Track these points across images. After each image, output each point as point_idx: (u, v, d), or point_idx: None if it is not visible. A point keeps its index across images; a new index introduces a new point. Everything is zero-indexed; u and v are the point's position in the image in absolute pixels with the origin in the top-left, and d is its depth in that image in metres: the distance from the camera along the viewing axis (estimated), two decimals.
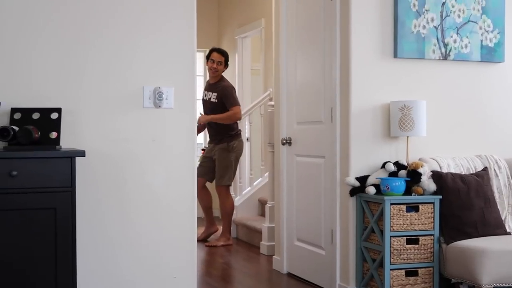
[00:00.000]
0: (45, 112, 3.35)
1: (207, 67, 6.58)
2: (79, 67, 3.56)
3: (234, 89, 6.59)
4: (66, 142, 3.47)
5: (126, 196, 3.66)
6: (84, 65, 3.57)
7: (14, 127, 3.20)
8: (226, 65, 6.53)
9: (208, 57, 6.53)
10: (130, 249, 3.69)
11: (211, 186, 6.75)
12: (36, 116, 3.33)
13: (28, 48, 3.47)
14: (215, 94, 6.41)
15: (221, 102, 6.38)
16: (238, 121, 6.62)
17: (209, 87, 6.55)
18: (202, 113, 6.55)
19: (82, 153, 3.18)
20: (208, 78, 6.83)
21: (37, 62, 3.48)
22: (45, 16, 3.49)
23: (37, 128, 3.25)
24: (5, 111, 3.36)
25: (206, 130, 6.75)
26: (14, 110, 3.35)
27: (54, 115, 3.35)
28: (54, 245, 3.09)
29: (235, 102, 6.40)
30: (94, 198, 3.58)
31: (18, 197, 3.04)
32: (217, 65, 6.43)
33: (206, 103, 6.53)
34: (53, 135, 3.30)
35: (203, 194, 6.59)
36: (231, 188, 6.83)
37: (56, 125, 3.33)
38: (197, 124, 6.39)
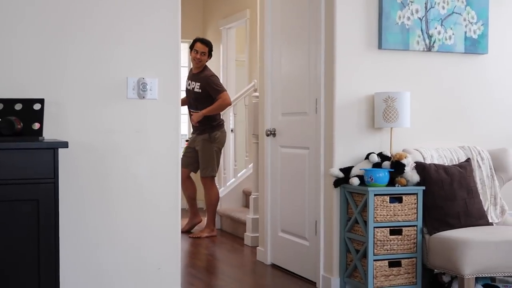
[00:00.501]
0: (28, 103, 3.32)
1: (191, 57, 6.54)
2: (63, 58, 3.53)
3: (217, 77, 6.55)
4: (49, 133, 3.45)
5: (110, 188, 3.65)
6: (68, 55, 3.54)
7: None
8: (210, 55, 6.50)
9: (191, 47, 6.50)
10: (113, 240, 3.68)
11: (196, 176, 6.74)
12: (18, 107, 3.31)
13: (10, 38, 3.43)
14: (198, 84, 6.39)
15: (205, 91, 6.35)
16: (223, 111, 6.61)
17: (192, 77, 6.52)
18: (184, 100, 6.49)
19: (65, 144, 3.16)
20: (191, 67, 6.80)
21: (19, 52, 3.45)
22: (27, 5, 3.46)
23: (19, 119, 3.23)
24: None
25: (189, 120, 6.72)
26: None
27: (36, 106, 3.33)
28: (37, 237, 3.07)
29: (221, 89, 6.36)
30: (77, 189, 3.57)
31: (1, 189, 3.02)
32: (200, 55, 6.40)
33: (189, 92, 6.50)
34: (36, 126, 3.28)
35: (187, 185, 6.58)
36: (216, 179, 6.83)
37: (39, 116, 3.31)
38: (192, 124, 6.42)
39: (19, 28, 3.44)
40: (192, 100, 6.46)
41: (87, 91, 3.59)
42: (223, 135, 6.59)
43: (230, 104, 6.54)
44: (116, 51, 3.64)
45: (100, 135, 3.61)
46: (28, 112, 3.30)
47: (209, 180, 6.51)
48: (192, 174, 6.67)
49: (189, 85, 6.52)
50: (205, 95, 6.35)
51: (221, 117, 6.63)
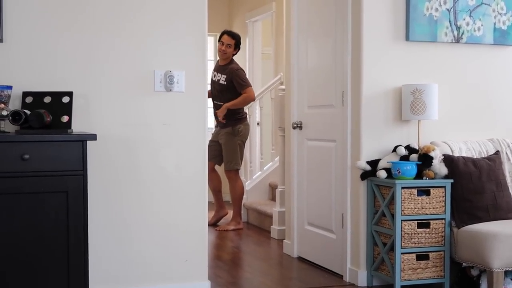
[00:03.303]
0: (57, 96, 3.36)
1: (217, 49, 6.55)
2: (90, 51, 3.56)
3: (244, 71, 6.54)
4: (78, 126, 3.49)
5: (137, 180, 3.68)
6: (95, 49, 3.57)
7: (25, 110, 3.22)
8: (237, 48, 6.48)
9: (219, 39, 6.51)
10: (141, 232, 3.71)
11: (220, 169, 6.76)
12: (47, 100, 3.35)
13: (40, 32, 3.47)
14: (224, 76, 6.39)
15: (230, 84, 6.35)
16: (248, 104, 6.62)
17: (218, 68, 6.52)
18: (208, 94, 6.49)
19: (93, 137, 3.19)
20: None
21: (48, 46, 3.49)
22: (56, 0, 3.49)
23: (48, 112, 3.27)
24: (17, 95, 3.38)
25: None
26: (25, 94, 3.36)
27: (65, 99, 3.36)
28: (66, 228, 3.11)
29: (246, 84, 6.35)
30: (105, 181, 3.60)
31: (30, 181, 3.06)
32: (226, 47, 6.39)
33: (215, 84, 6.50)
34: (65, 118, 3.32)
35: (212, 177, 6.58)
36: (241, 172, 6.83)
37: (67, 109, 3.35)
38: (215, 116, 6.42)
39: (48, 23, 3.48)
40: (217, 92, 6.46)
41: (115, 84, 3.61)
42: (247, 128, 6.58)
43: (254, 100, 6.53)
44: (143, 44, 3.66)
45: (128, 128, 3.64)
46: (57, 105, 3.34)
47: (233, 173, 6.51)
48: (216, 167, 6.68)
49: (214, 76, 6.52)
50: (230, 88, 6.35)
51: (244, 110, 6.63)
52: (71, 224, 3.12)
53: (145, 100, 3.68)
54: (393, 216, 4.02)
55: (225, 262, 5.16)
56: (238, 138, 6.46)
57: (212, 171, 6.55)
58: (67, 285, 3.13)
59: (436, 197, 4.07)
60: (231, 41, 6.42)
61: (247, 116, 6.69)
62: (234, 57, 6.56)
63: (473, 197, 4.07)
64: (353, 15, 4.36)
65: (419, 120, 4.28)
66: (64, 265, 3.12)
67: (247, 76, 6.78)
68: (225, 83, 6.37)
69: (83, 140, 3.16)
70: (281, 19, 6.72)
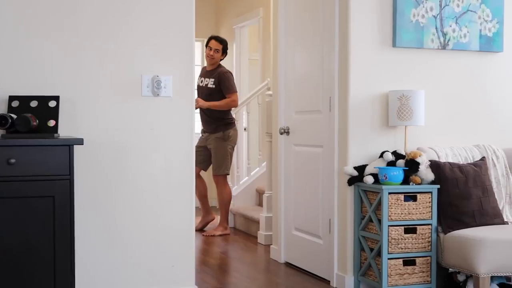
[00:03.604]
0: (43, 100, 3.34)
1: (205, 54, 6.56)
2: (78, 55, 3.55)
3: (232, 75, 6.54)
4: (64, 130, 3.47)
5: (124, 185, 3.67)
6: (82, 53, 3.56)
7: (12, 115, 3.20)
8: (224, 53, 6.50)
9: (207, 45, 6.52)
10: (128, 237, 3.69)
11: (205, 175, 6.75)
12: (34, 104, 3.33)
13: (26, 36, 3.45)
14: (212, 80, 6.40)
15: (218, 87, 6.36)
16: (233, 109, 6.62)
17: (205, 74, 6.53)
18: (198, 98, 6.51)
19: (80, 141, 3.18)
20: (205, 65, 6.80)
21: (35, 50, 3.47)
22: (41, 5, 3.47)
23: (35, 116, 3.25)
24: (3, 98, 3.36)
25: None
26: (12, 98, 3.34)
27: (52, 103, 3.35)
28: (53, 233, 3.09)
29: (232, 89, 6.37)
30: (92, 186, 3.58)
31: (17, 185, 3.05)
32: (214, 52, 6.41)
33: (202, 89, 6.50)
34: (51, 123, 3.30)
35: (197, 183, 6.53)
36: (229, 178, 6.83)
37: (54, 113, 3.33)
38: (202, 119, 6.41)
39: (35, 27, 3.46)
40: (204, 96, 6.45)
41: (102, 88, 3.60)
42: (236, 134, 6.60)
43: (236, 106, 6.56)
44: (130, 49, 3.66)
45: (115, 132, 3.63)
46: (44, 109, 3.32)
47: (221, 178, 6.51)
48: (202, 173, 6.67)
49: (201, 82, 6.53)
50: (218, 90, 6.35)
51: (232, 115, 6.63)
52: (57, 228, 3.10)
53: (132, 105, 3.67)
54: (380, 221, 4.03)
55: (212, 268, 5.14)
56: (228, 143, 6.46)
57: (197, 177, 6.54)
58: None
59: (423, 203, 4.08)
60: (218, 46, 6.44)
61: (235, 121, 6.69)
62: (222, 62, 6.57)
63: (459, 203, 4.09)
64: (341, 21, 4.38)
65: (405, 126, 4.30)
66: (50, 270, 3.10)
67: (235, 81, 6.78)
68: (213, 86, 6.38)
69: (69, 144, 3.14)
70: (268, 25, 6.74)
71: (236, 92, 6.42)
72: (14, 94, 3.38)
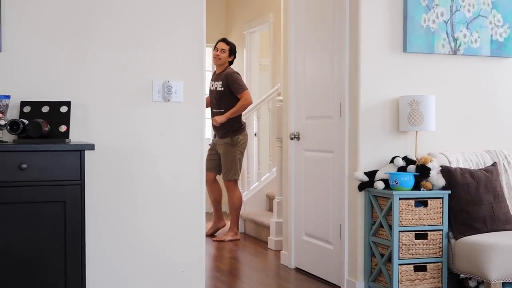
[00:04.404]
0: (55, 105, 3.36)
1: (212, 56, 6.58)
2: (89, 61, 3.56)
3: (239, 74, 6.53)
4: (76, 136, 3.48)
5: (135, 190, 3.67)
6: (94, 59, 3.57)
7: (23, 120, 3.21)
8: (231, 55, 6.50)
9: (214, 48, 6.55)
10: (139, 243, 3.70)
11: (221, 179, 6.74)
12: (45, 109, 3.34)
13: (38, 42, 3.47)
14: (220, 82, 6.40)
15: (227, 89, 6.36)
16: (243, 114, 6.61)
17: (215, 77, 6.56)
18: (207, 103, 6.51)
19: (91, 147, 3.19)
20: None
21: (47, 55, 3.49)
22: (54, 8, 3.49)
23: (46, 121, 3.26)
24: (15, 104, 3.37)
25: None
26: (23, 104, 3.36)
27: (63, 109, 3.36)
28: (64, 238, 3.10)
29: (242, 88, 6.35)
30: (103, 191, 3.59)
31: (28, 190, 3.05)
32: (220, 52, 6.43)
33: (212, 93, 6.51)
34: (63, 128, 3.31)
35: (213, 188, 6.59)
36: (239, 183, 6.83)
37: (65, 118, 3.34)
38: (213, 124, 6.42)
39: (47, 33, 3.48)
40: (215, 100, 6.46)
41: (113, 94, 3.61)
42: (245, 139, 6.59)
43: (251, 103, 6.52)
44: (141, 54, 3.67)
45: (126, 138, 3.64)
46: (55, 115, 3.33)
47: (232, 183, 6.52)
48: (218, 177, 6.67)
49: (212, 85, 6.55)
50: (227, 93, 6.35)
51: (243, 121, 6.64)
52: (68, 233, 3.11)
53: (143, 110, 3.68)
54: (390, 227, 4.02)
55: (222, 273, 5.14)
56: (237, 149, 6.46)
57: (213, 182, 6.56)
58: None
59: (434, 208, 4.07)
60: (225, 46, 6.46)
61: (246, 126, 6.69)
62: (232, 67, 6.58)
63: (470, 209, 4.07)
64: (351, 27, 4.38)
65: (416, 131, 4.29)
66: (61, 275, 3.11)
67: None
68: (222, 89, 6.39)
69: (81, 150, 3.15)
70: (278, 30, 6.75)
71: (247, 89, 6.40)
72: (26, 99, 3.39)
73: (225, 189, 6.58)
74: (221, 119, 6.30)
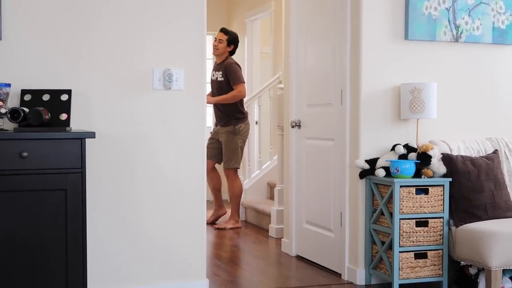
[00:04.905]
0: (55, 93, 3.36)
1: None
2: (90, 49, 3.56)
3: (239, 66, 6.52)
4: (76, 124, 3.49)
5: (136, 178, 3.68)
6: (94, 47, 3.57)
7: (24, 108, 3.21)
8: (230, 45, 6.46)
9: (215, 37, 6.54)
10: (140, 231, 3.71)
11: (220, 168, 6.76)
12: (46, 97, 3.34)
13: (38, 30, 3.47)
14: (220, 72, 6.40)
15: (227, 79, 6.36)
16: (245, 103, 6.61)
17: (216, 67, 6.55)
18: (209, 94, 6.53)
19: (92, 135, 3.19)
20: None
21: (47, 43, 3.49)
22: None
23: (47, 109, 3.26)
24: (16, 92, 3.38)
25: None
26: (24, 92, 3.36)
27: (64, 97, 3.36)
28: (65, 226, 3.11)
29: (238, 80, 6.35)
30: (104, 179, 3.60)
31: (29, 178, 3.06)
32: (218, 42, 6.42)
33: (213, 83, 6.52)
34: (63, 116, 3.31)
35: (212, 176, 6.59)
36: (240, 171, 6.83)
37: (66, 106, 3.34)
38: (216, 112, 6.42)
39: (47, 21, 3.47)
40: (216, 90, 6.47)
41: (113, 82, 3.61)
42: (247, 128, 6.59)
43: (244, 96, 6.50)
44: (142, 42, 3.66)
45: (127, 126, 3.64)
46: (56, 103, 3.33)
47: (232, 171, 6.52)
48: (217, 166, 6.68)
49: (213, 75, 6.54)
50: (228, 83, 6.35)
51: (245, 109, 6.63)
52: (69, 222, 3.12)
53: (144, 98, 3.68)
54: (391, 214, 4.03)
55: (223, 261, 5.16)
56: (239, 137, 6.46)
57: (212, 170, 6.56)
58: (65, 283, 3.13)
59: (435, 196, 4.07)
60: (223, 36, 6.44)
61: (248, 115, 6.68)
62: (233, 56, 6.56)
63: (471, 196, 4.07)
64: (352, 14, 4.37)
65: (417, 119, 4.29)
66: (62, 263, 3.12)
67: (245, 74, 6.78)
68: (222, 79, 6.39)
69: (81, 138, 3.15)
70: (280, 18, 6.73)
71: (243, 82, 6.40)
72: (26, 87, 3.39)
73: (225, 177, 6.59)
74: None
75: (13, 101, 3.38)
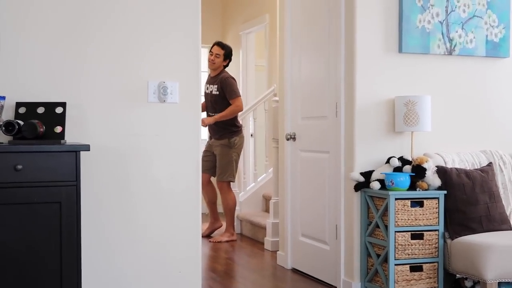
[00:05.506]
0: (50, 106, 3.35)
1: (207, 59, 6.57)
2: (84, 62, 3.56)
3: (235, 80, 6.53)
4: (71, 137, 3.48)
5: (131, 191, 3.67)
6: (89, 60, 3.57)
7: (19, 121, 3.20)
8: (227, 59, 6.50)
9: (210, 50, 6.54)
10: (135, 243, 3.69)
11: (214, 181, 6.75)
12: (41, 110, 3.33)
13: (33, 42, 3.47)
14: (216, 86, 6.41)
15: (222, 93, 6.37)
16: (240, 115, 6.62)
17: (210, 80, 6.55)
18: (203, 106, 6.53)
19: (86, 147, 3.18)
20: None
21: (42, 56, 3.48)
22: (49, 10, 3.49)
23: (42, 122, 3.25)
24: (10, 105, 3.37)
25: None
26: (19, 104, 3.35)
27: (59, 110, 3.35)
28: (59, 239, 3.09)
29: (235, 94, 6.36)
30: (98, 192, 3.59)
31: (23, 191, 3.05)
32: (214, 57, 6.43)
33: (208, 96, 6.52)
34: (58, 129, 3.30)
35: (208, 189, 6.59)
36: (235, 184, 6.83)
37: (61, 119, 3.34)
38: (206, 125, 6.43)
39: (41, 33, 3.48)
40: (210, 104, 6.47)
41: (108, 94, 3.61)
42: (242, 141, 6.60)
43: (242, 110, 6.53)
44: (137, 55, 3.66)
45: (121, 138, 3.63)
46: (50, 116, 3.33)
47: (225, 184, 6.51)
48: (212, 179, 6.68)
49: (207, 89, 6.55)
50: (223, 97, 6.36)
51: (240, 122, 6.64)
52: (64, 235, 3.10)
53: (138, 111, 3.68)
54: (386, 227, 4.03)
55: (218, 274, 5.14)
56: (233, 151, 6.46)
57: (207, 183, 6.55)
58: None
59: (430, 209, 4.07)
60: (220, 51, 6.45)
61: (242, 128, 6.69)
62: (227, 69, 6.58)
63: (466, 209, 4.08)
64: (346, 27, 4.39)
65: (412, 132, 4.30)
66: (57, 277, 3.10)
67: (241, 87, 6.79)
68: (217, 93, 6.39)
69: (76, 150, 3.15)
70: (274, 31, 6.75)
71: (239, 96, 6.42)
72: (21, 100, 3.39)
73: (218, 189, 6.58)
74: (209, 120, 6.33)
75: (8, 114, 3.37)
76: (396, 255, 3.99)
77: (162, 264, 3.76)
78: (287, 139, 5.15)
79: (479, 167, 4.37)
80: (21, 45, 3.45)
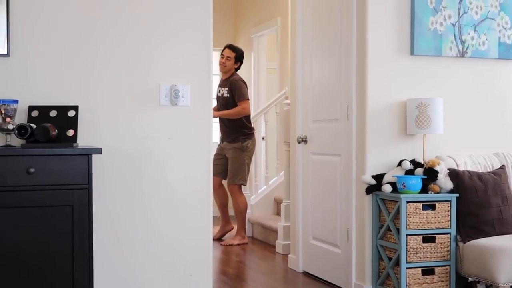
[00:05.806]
0: (62, 109, 3.37)
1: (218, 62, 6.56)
2: (96, 65, 3.58)
3: (245, 83, 6.53)
4: (83, 140, 3.49)
5: (142, 194, 3.68)
6: (101, 63, 3.59)
7: (31, 124, 3.22)
8: (238, 62, 6.50)
9: (221, 53, 6.55)
10: (146, 246, 3.70)
11: (225, 184, 6.75)
12: (53, 114, 3.35)
13: (45, 46, 3.49)
14: (226, 89, 6.42)
15: (232, 96, 6.38)
16: (251, 120, 6.62)
17: (222, 83, 6.57)
18: (215, 109, 6.54)
19: (99, 151, 3.20)
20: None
21: (54, 60, 3.50)
22: (61, 13, 3.51)
23: (54, 125, 3.27)
24: (23, 108, 3.39)
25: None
26: (31, 108, 3.37)
27: (71, 113, 3.37)
28: (71, 242, 3.11)
29: (243, 97, 6.37)
30: (111, 195, 3.60)
31: (36, 194, 3.06)
32: (225, 60, 6.44)
33: (219, 99, 6.53)
34: (70, 132, 3.32)
35: (220, 193, 6.59)
36: (247, 187, 6.83)
37: (73, 122, 3.35)
38: (222, 128, 6.44)
39: (54, 37, 3.50)
40: (222, 106, 6.48)
41: (120, 98, 3.62)
42: (254, 144, 6.61)
43: (248, 114, 6.50)
44: (149, 58, 3.68)
45: (133, 142, 3.65)
46: (63, 119, 3.35)
47: (236, 187, 6.52)
48: (224, 182, 6.68)
49: (219, 91, 6.56)
50: (233, 100, 6.37)
51: (252, 126, 6.64)
52: (76, 237, 3.12)
53: (150, 114, 3.69)
54: (398, 230, 4.01)
55: (230, 277, 5.14)
56: (246, 154, 6.47)
57: (219, 187, 6.56)
58: None
59: (442, 212, 4.06)
60: (231, 54, 6.46)
61: (254, 131, 6.69)
62: (239, 72, 6.59)
63: (478, 212, 4.06)
64: (358, 30, 4.38)
65: (424, 134, 4.28)
66: (69, 279, 3.11)
67: (252, 90, 6.79)
68: (228, 95, 6.40)
69: (88, 154, 3.16)
70: (286, 34, 6.75)
71: (247, 99, 6.42)
72: (33, 104, 3.41)
73: (229, 192, 6.58)
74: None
75: (21, 117, 3.39)
76: (408, 258, 3.98)
77: (174, 266, 3.77)
78: (299, 142, 5.14)
79: (491, 169, 4.35)
80: (33, 49, 3.47)
